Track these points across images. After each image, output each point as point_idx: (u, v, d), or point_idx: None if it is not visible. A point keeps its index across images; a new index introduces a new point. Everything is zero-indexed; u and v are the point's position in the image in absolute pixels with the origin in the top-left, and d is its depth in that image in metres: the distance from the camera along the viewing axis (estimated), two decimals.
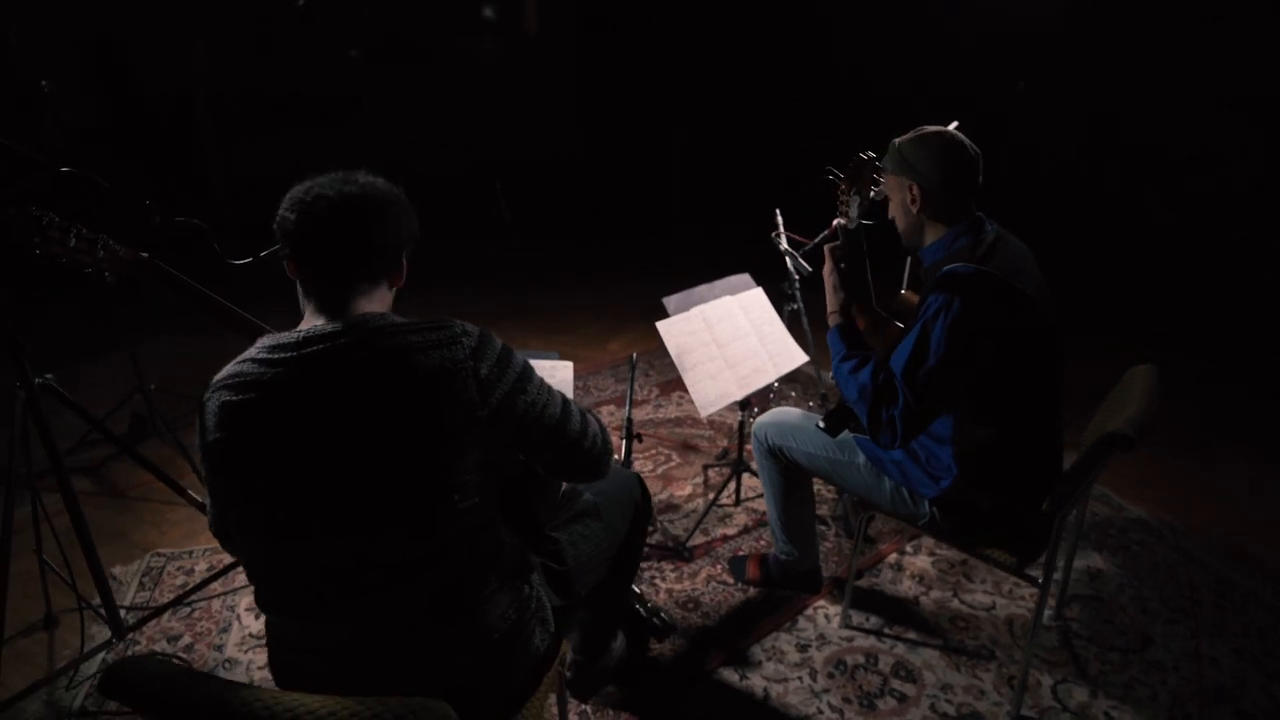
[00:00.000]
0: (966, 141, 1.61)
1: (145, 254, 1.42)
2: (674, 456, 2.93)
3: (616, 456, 2.48)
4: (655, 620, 1.98)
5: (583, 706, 1.83)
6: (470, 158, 6.31)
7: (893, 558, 2.35)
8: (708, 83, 6.79)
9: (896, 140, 1.65)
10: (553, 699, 1.48)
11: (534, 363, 2.05)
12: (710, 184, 6.84)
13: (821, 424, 1.84)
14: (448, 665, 1.15)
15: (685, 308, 2.29)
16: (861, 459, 1.83)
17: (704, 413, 2.14)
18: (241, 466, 1.07)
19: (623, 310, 4.39)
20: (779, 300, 2.59)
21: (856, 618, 2.11)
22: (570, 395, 2.02)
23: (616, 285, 4.91)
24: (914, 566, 2.31)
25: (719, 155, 6.89)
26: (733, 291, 2.43)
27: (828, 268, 1.67)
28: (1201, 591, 2.23)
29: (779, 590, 2.20)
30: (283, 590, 1.13)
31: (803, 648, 2.01)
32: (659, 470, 2.83)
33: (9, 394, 1.47)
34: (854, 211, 1.58)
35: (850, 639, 2.04)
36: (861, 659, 1.97)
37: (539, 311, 4.55)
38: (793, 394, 3.40)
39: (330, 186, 1.12)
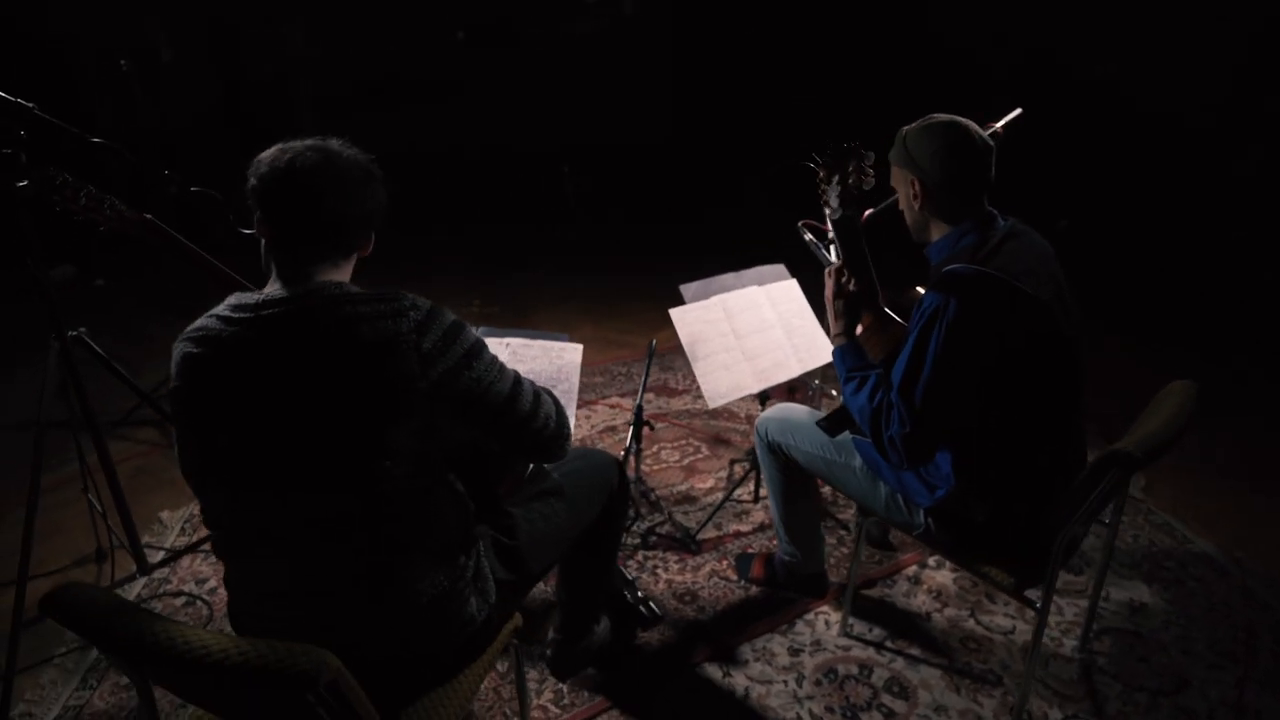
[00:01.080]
0: (976, 133, 1.50)
1: (148, 215, 1.54)
2: (703, 449, 2.89)
3: (615, 444, 2.44)
4: (642, 608, 1.97)
5: (559, 685, 1.84)
6: (562, 140, 6.43)
7: (912, 569, 2.23)
8: (803, 63, 6.61)
9: (904, 129, 1.56)
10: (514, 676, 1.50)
11: (539, 344, 2.10)
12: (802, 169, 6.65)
13: (820, 423, 1.77)
14: (376, 624, 1.18)
15: (704, 296, 2.25)
16: (858, 462, 1.75)
17: (712, 404, 2.10)
18: (195, 416, 1.14)
19: (680, 299, 4.34)
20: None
21: (859, 627, 2.02)
22: (576, 379, 2.04)
23: (681, 272, 4.87)
24: (933, 581, 2.19)
25: (814, 138, 6.70)
26: (761, 281, 2.37)
27: (829, 291, 1.61)
28: (1260, 637, 2.00)
29: (782, 592, 2.14)
30: (231, 537, 1.19)
31: (795, 652, 1.94)
32: (685, 461, 2.80)
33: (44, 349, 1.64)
34: (834, 202, 1.50)
35: (847, 648, 1.96)
36: (855, 670, 1.89)
37: (597, 296, 4.56)
38: (834, 392, 3.27)
39: (289, 155, 1.15)
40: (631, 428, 2.23)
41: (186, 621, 1.03)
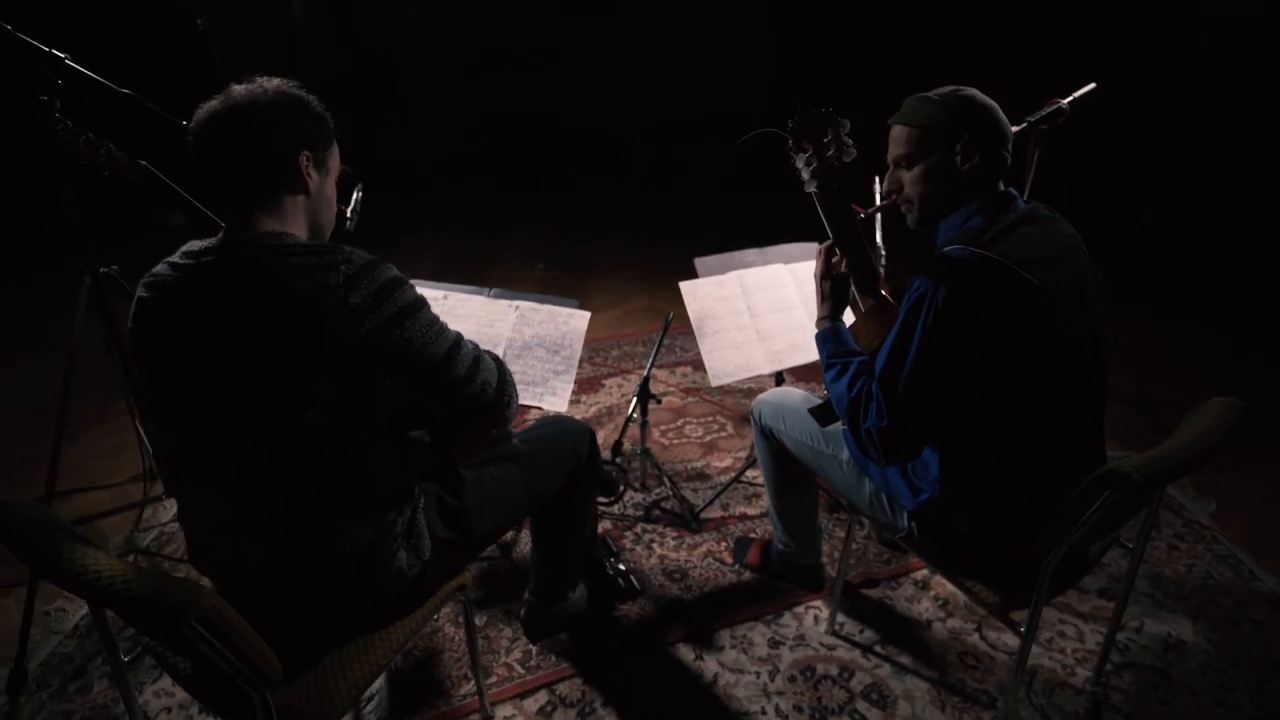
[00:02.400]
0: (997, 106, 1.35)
1: (143, 162, 1.62)
2: (729, 427, 2.81)
3: (629, 417, 2.37)
4: (620, 580, 1.95)
5: (530, 646, 1.86)
6: (655, 112, 6.37)
7: (921, 573, 2.10)
8: (906, 28, 6.20)
9: (930, 94, 1.41)
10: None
11: (548, 309, 2.08)
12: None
13: (812, 411, 1.67)
14: (302, 568, 1.22)
15: (720, 271, 2.17)
16: (845, 455, 1.64)
17: (716, 382, 2.02)
18: (144, 356, 1.20)
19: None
20: None
21: (850, 627, 1.92)
22: (579, 346, 2.02)
23: (754, 244, 4.73)
24: (942, 588, 2.05)
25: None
26: (787, 260, 2.25)
27: (817, 269, 1.49)
28: None
29: (776, 581, 2.06)
30: (177, 476, 1.25)
31: (775, 644, 1.87)
32: (707, 438, 2.74)
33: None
34: (806, 174, 1.38)
35: (832, 647, 1.87)
36: (834, 670, 1.80)
37: (660, 265, 4.48)
38: None
39: (205, 107, 1.17)
40: (636, 399, 2.19)
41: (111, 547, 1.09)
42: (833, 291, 1.53)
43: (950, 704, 1.72)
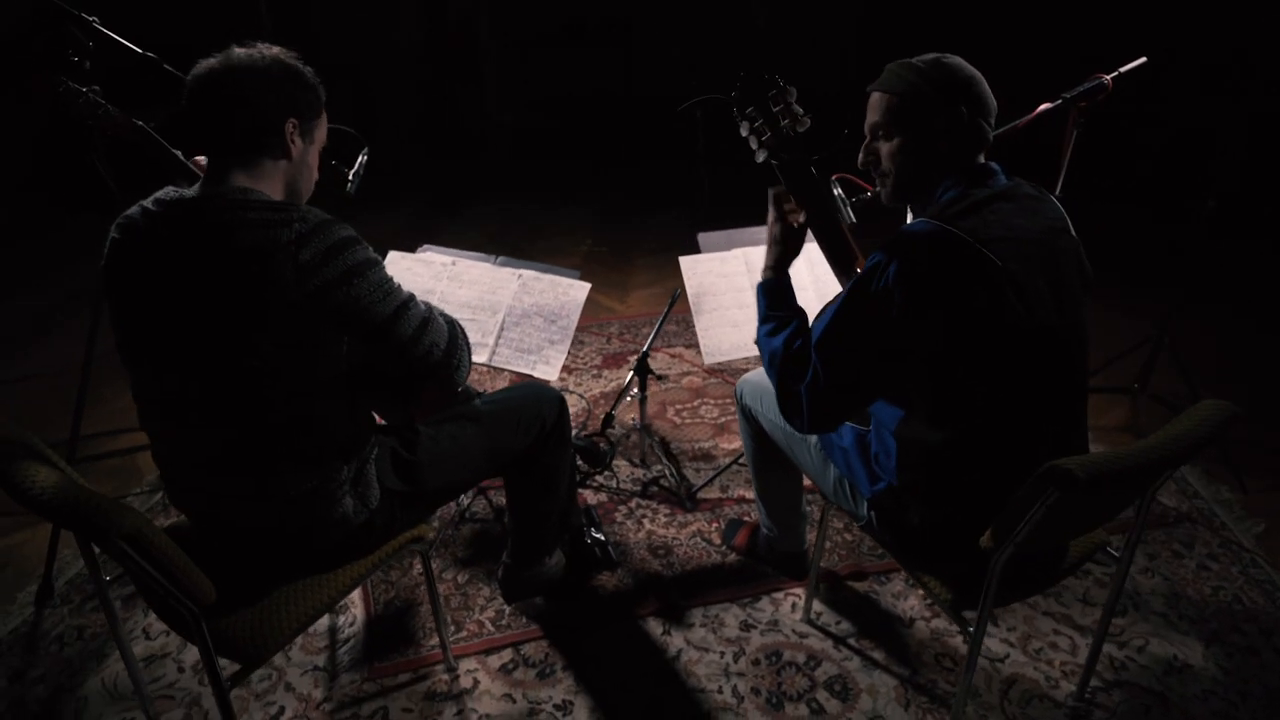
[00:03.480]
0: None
1: (139, 122, 1.72)
2: None
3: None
4: (597, 550, 1.97)
5: (505, 606, 1.91)
6: (726, 88, 6.28)
7: None
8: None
9: (909, 61, 1.34)
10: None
11: (549, 278, 2.11)
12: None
13: None
14: (249, 507, 1.29)
15: (725, 247, 2.13)
16: (814, 438, 1.60)
17: (709, 360, 2.00)
18: (110, 293, 1.26)
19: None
20: None
21: (827, 617, 1.88)
22: (575, 316, 2.04)
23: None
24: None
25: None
26: None
27: (771, 215, 1.45)
28: None
29: (761, 566, 2.03)
30: (142, 410, 1.34)
31: (746, 627, 1.85)
32: (720, 420, 2.71)
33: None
34: (752, 144, 1.33)
35: (804, 635, 1.83)
36: (801, 658, 1.77)
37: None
38: None
39: (199, 66, 1.24)
40: (633, 374, 2.19)
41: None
42: (781, 239, 1.47)
43: (916, 703, 1.66)
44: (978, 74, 1.31)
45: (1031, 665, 1.76)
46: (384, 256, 1.68)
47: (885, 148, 1.36)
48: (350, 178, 1.91)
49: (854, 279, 1.28)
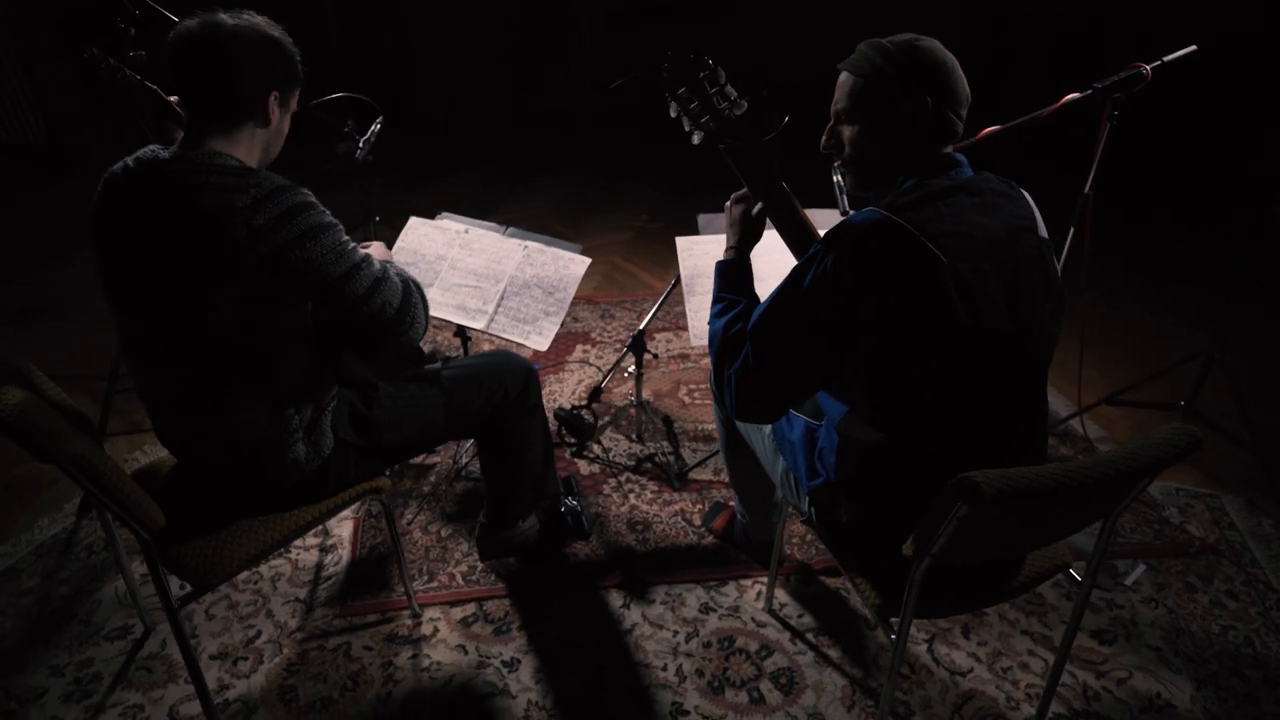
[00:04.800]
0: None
1: (152, 85, 1.84)
2: None
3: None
4: (570, 519, 2.01)
5: (478, 562, 1.99)
6: (815, 66, 6.14)
7: None
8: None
9: (870, 42, 1.28)
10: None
11: (552, 251, 2.15)
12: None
13: None
14: (208, 447, 1.40)
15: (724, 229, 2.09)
16: (768, 429, 1.58)
17: (696, 342, 1.99)
18: (95, 241, 1.36)
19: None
20: None
21: (790, 610, 1.86)
22: (572, 290, 2.07)
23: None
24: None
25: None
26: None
27: (732, 197, 1.42)
28: None
29: (736, 551, 2.03)
30: (120, 345, 1.46)
31: (706, 609, 1.86)
32: None
33: None
34: (686, 126, 1.29)
35: (762, 625, 1.82)
36: (754, 647, 1.76)
37: None
38: None
39: (181, 28, 1.31)
40: (628, 350, 2.20)
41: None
42: (742, 220, 1.44)
43: (861, 705, 1.63)
44: (950, 60, 1.24)
45: (995, 683, 1.68)
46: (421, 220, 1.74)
47: (847, 132, 1.31)
48: (361, 144, 1.99)
49: (794, 267, 1.25)
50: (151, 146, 1.36)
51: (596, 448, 2.42)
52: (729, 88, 1.26)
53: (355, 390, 1.54)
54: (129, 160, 1.34)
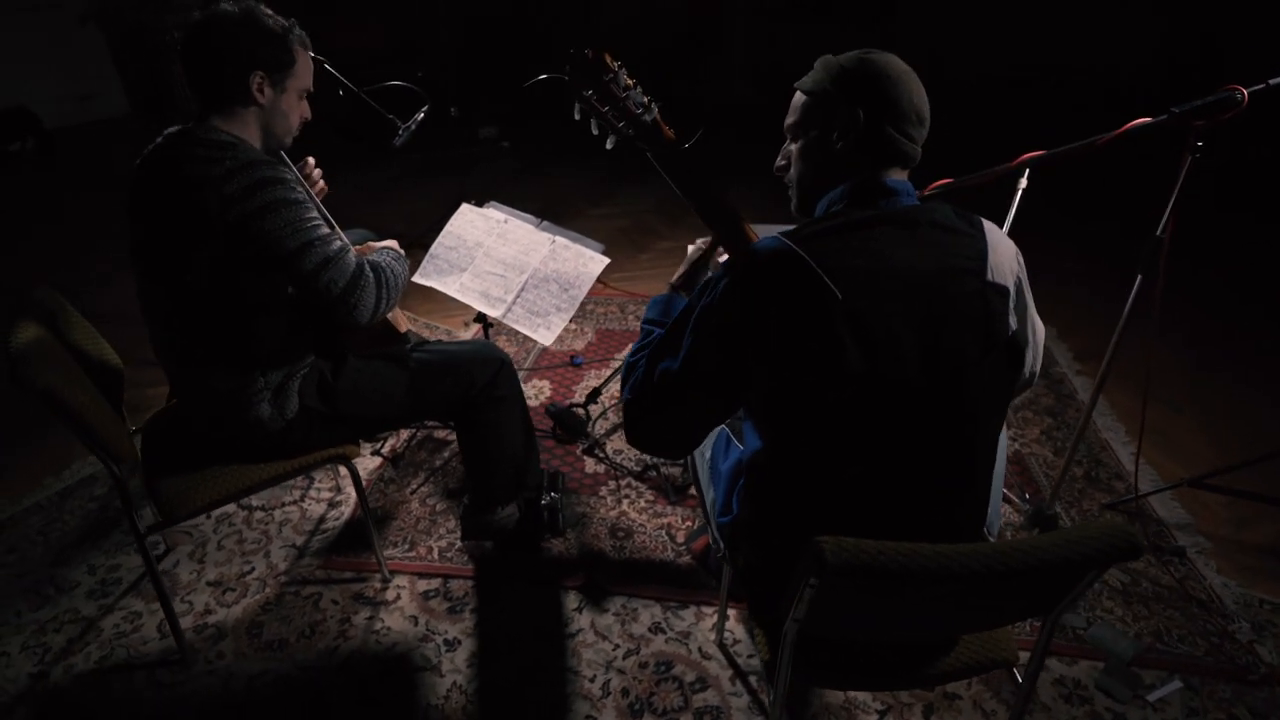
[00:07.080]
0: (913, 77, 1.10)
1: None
2: None
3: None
4: (545, 514, 2.02)
5: (458, 541, 2.06)
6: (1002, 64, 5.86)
7: None
8: None
9: (824, 57, 1.18)
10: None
11: (576, 248, 2.17)
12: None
13: None
14: (185, 395, 1.57)
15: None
16: (708, 454, 1.50)
17: None
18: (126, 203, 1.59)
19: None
20: None
21: (741, 648, 1.77)
22: (586, 287, 2.09)
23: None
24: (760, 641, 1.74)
25: None
26: None
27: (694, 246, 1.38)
28: None
29: (708, 577, 1.95)
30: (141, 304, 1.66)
31: (655, 629, 1.81)
32: None
33: None
34: (594, 129, 1.23)
35: (707, 656, 1.75)
36: (690, 677, 1.70)
37: None
38: None
39: (194, 17, 1.47)
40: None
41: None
42: (694, 259, 1.40)
43: None
44: (898, 72, 1.11)
45: None
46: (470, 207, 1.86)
47: (793, 151, 1.22)
48: (401, 130, 2.11)
49: (694, 291, 1.18)
50: (174, 127, 1.52)
51: (608, 448, 2.42)
52: (637, 92, 1.20)
53: (330, 362, 1.65)
54: (159, 136, 1.51)
